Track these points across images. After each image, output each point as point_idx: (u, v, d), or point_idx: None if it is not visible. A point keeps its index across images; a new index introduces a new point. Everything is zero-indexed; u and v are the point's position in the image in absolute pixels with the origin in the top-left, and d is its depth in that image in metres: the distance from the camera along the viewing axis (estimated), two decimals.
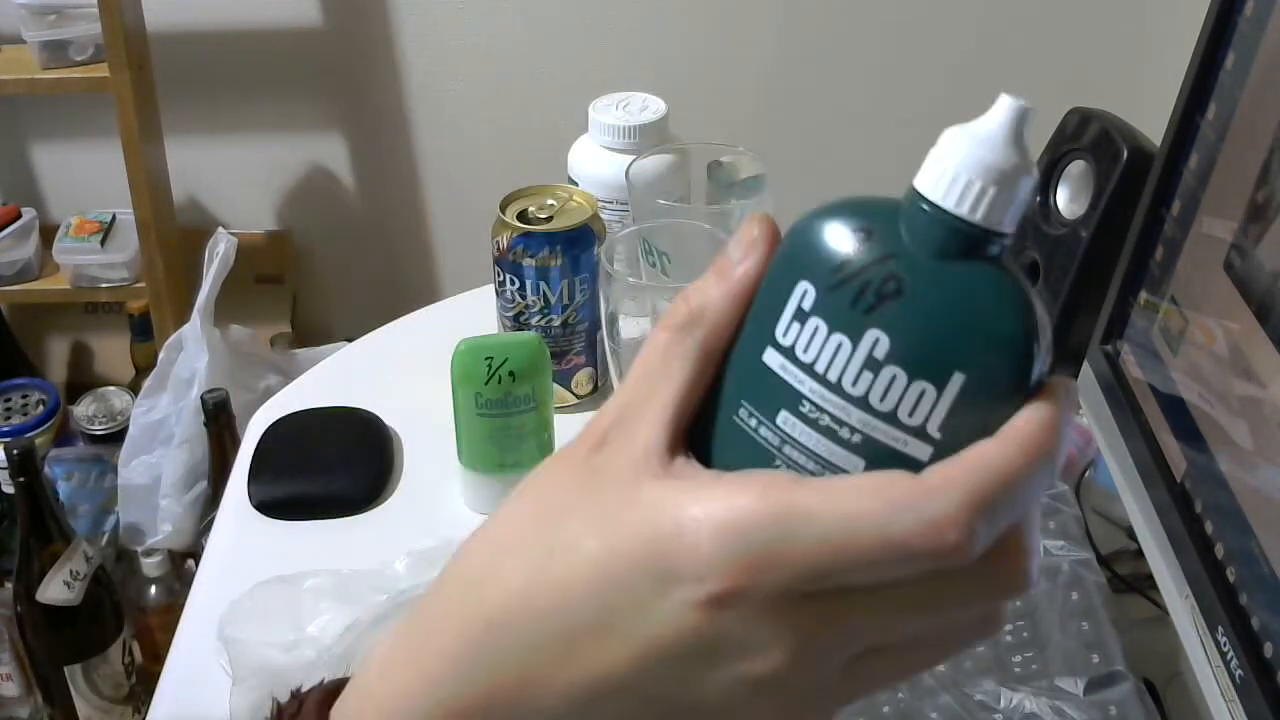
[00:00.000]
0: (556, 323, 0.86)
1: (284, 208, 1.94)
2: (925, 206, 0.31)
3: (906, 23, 1.82)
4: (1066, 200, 0.88)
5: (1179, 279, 0.64)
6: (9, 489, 1.36)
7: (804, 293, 0.32)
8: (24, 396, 1.73)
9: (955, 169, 0.31)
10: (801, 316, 0.32)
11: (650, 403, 0.33)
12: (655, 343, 0.34)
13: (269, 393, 1.24)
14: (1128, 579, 0.72)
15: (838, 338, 0.31)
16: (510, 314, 0.87)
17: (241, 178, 1.90)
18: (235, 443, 1.32)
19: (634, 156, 0.89)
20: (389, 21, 1.80)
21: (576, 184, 0.93)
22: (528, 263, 0.83)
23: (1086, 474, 0.79)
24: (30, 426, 1.67)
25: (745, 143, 0.85)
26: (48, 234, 1.72)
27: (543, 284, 0.84)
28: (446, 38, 1.80)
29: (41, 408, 1.71)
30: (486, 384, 0.76)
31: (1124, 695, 0.58)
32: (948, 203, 0.31)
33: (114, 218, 1.73)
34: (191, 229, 1.79)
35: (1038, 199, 0.89)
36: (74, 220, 1.72)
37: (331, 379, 0.95)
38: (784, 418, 0.32)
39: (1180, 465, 0.61)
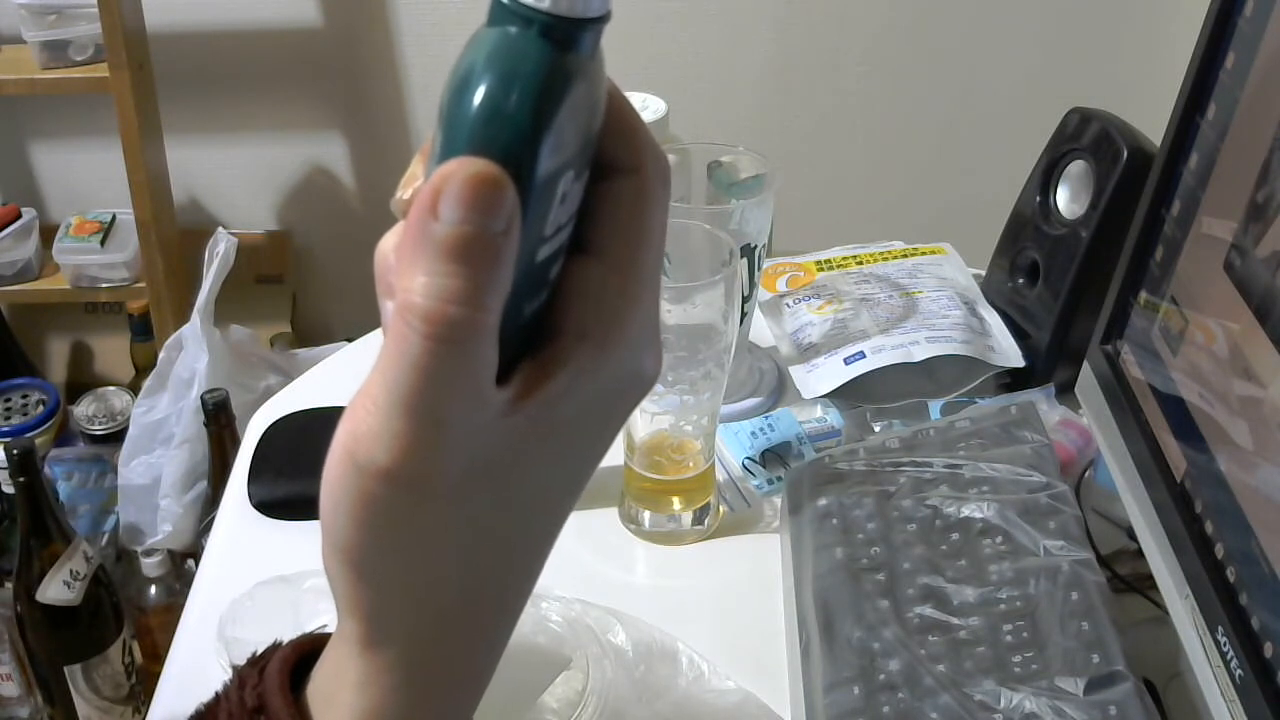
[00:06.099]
0: None
1: (284, 208, 1.94)
2: None
3: (906, 22, 1.82)
4: (1066, 200, 0.88)
5: (1179, 279, 0.64)
6: (9, 489, 1.37)
7: None
8: (24, 396, 1.73)
9: None
10: None
11: None
12: None
13: (269, 393, 1.24)
14: (1128, 579, 0.72)
15: None
16: None
17: (241, 178, 1.90)
18: (235, 443, 1.32)
19: None
20: (389, 21, 1.80)
21: None
22: None
23: (1086, 474, 0.79)
24: (30, 426, 1.67)
25: (745, 143, 0.85)
26: (48, 234, 1.72)
27: None
28: (446, 38, 1.80)
29: (41, 408, 1.71)
30: None
31: (1124, 695, 0.58)
32: None
33: (114, 218, 1.73)
34: (191, 229, 1.79)
35: (1037, 198, 0.89)
36: (74, 220, 1.72)
37: (331, 379, 0.95)
38: None
39: (1180, 465, 0.61)
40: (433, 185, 0.30)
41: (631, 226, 0.34)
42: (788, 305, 0.95)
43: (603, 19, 0.32)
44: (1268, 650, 0.51)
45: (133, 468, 1.54)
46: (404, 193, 0.33)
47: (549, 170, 0.31)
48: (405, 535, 0.33)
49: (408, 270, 0.30)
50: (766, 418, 0.85)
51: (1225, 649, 0.53)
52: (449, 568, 0.34)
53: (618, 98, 0.34)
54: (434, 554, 0.34)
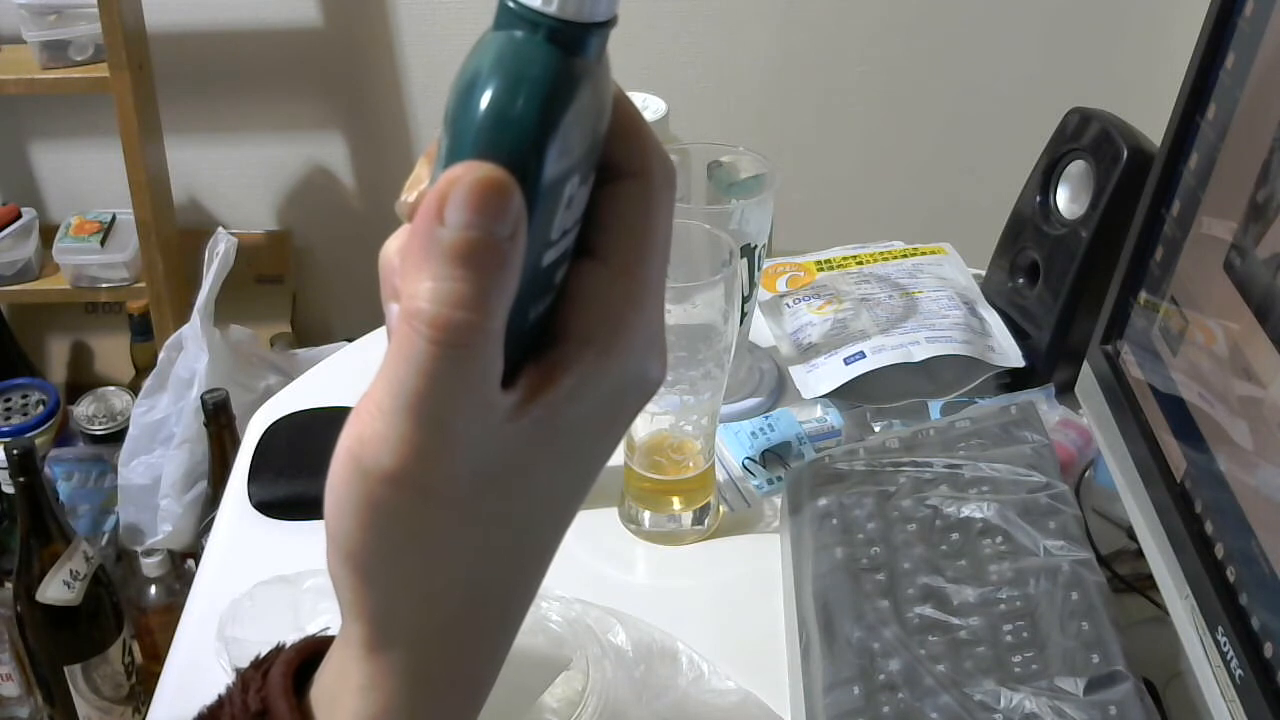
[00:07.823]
0: None
1: (284, 208, 1.94)
2: None
3: (907, 23, 1.82)
4: (1066, 200, 0.88)
5: (1179, 279, 0.64)
6: (9, 489, 1.37)
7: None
8: (24, 396, 1.73)
9: None
10: None
11: None
12: None
13: (269, 393, 1.24)
14: (1128, 579, 0.72)
15: None
16: None
17: (241, 178, 1.90)
18: (235, 443, 1.32)
19: None
20: (389, 21, 1.80)
21: None
22: None
23: (1086, 474, 0.79)
24: (30, 426, 1.67)
25: (745, 143, 0.85)
26: (48, 234, 1.72)
27: None
28: (446, 38, 1.80)
29: (41, 408, 1.71)
30: None
31: (1124, 695, 0.58)
32: None
33: (114, 218, 1.73)
34: (191, 229, 1.79)
35: (1037, 198, 0.89)
36: (74, 220, 1.72)
37: (331, 379, 0.95)
38: None
39: (1180, 465, 0.61)
40: (439, 190, 0.30)
41: (637, 230, 0.34)
42: (788, 305, 0.95)
43: (609, 23, 0.31)
44: (1268, 650, 0.51)
45: (133, 468, 1.54)
46: (409, 195, 0.33)
47: (555, 175, 0.31)
48: (410, 539, 0.33)
49: (413, 275, 0.30)
50: (766, 418, 0.85)
51: (1225, 649, 0.53)
52: (454, 571, 0.34)
53: (623, 100, 0.34)
54: (439, 558, 0.34)
